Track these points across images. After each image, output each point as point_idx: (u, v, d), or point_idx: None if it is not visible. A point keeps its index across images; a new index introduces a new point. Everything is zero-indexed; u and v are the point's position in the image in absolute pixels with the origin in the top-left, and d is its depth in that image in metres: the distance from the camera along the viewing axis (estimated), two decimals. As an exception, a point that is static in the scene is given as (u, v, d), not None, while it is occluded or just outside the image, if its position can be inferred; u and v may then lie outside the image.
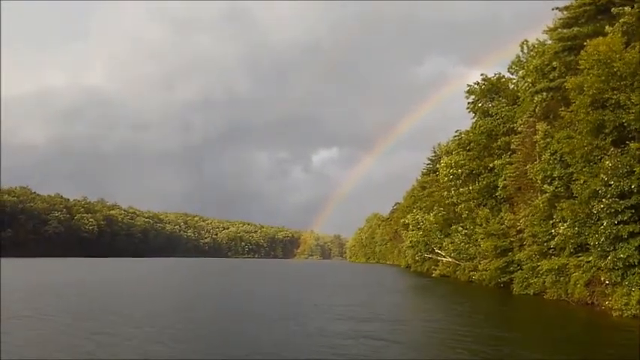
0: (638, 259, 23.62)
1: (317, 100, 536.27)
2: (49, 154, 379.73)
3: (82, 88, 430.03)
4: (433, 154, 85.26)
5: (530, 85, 38.28)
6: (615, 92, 25.43)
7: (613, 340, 19.71)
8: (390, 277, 69.30)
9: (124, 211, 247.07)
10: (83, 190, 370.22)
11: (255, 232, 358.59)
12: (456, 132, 58.64)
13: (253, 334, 19.75)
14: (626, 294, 24.20)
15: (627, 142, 25.16)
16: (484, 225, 45.45)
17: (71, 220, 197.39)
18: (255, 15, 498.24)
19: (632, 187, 23.74)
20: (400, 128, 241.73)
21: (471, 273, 49.47)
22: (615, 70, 25.22)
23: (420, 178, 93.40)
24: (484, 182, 48.17)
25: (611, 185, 24.48)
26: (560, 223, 31.27)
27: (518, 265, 39.05)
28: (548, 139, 33.44)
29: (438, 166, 63.99)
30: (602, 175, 24.98)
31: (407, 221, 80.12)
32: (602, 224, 25.07)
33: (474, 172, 50.07)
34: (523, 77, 41.20)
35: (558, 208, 30.39)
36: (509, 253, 41.08)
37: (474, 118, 52.03)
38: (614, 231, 24.32)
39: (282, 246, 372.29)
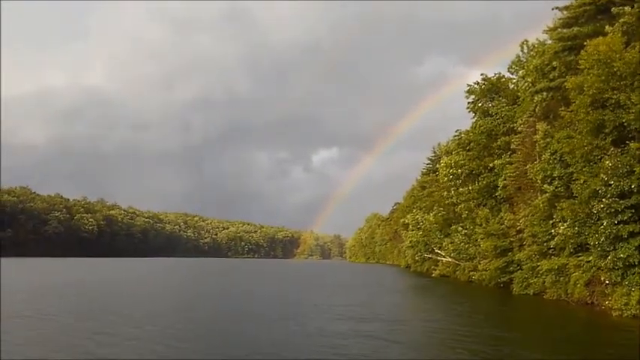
0: (638, 258, 23.61)
1: (317, 100, 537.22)
2: (49, 154, 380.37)
3: (82, 88, 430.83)
4: (433, 154, 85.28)
5: (530, 84, 38.27)
6: (615, 92, 25.42)
7: (613, 340, 19.70)
8: (390, 277, 69.29)
9: (124, 211, 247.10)
10: (83, 190, 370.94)
11: (255, 232, 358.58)
12: (455, 132, 58.70)
13: (253, 334, 19.74)
14: (626, 294, 24.20)
15: (627, 141, 25.16)
16: (484, 225, 45.44)
17: (71, 220, 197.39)
18: (255, 15, 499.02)
19: (632, 186, 23.73)
20: (400, 128, 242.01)
21: (471, 273, 49.47)
22: (615, 69, 25.22)
23: (419, 178, 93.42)
24: (484, 182, 48.16)
25: (611, 185, 24.47)
26: (560, 223, 31.25)
27: (518, 265, 39.05)
28: (548, 139, 33.43)
29: (437, 166, 64.00)
30: (602, 175, 24.97)
31: (407, 221, 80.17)
32: (602, 224, 25.06)
33: (473, 172, 50.06)
34: (523, 77, 41.20)
35: (558, 207, 30.37)
36: (509, 253, 41.08)
37: (473, 117, 52.03)
38: (614, 231, 24.32)
39: (282, 246, 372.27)
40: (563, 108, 30.48)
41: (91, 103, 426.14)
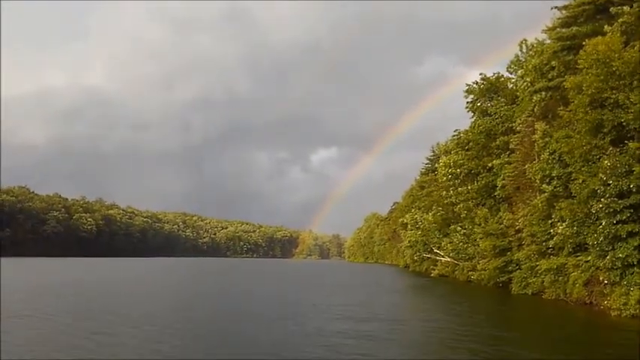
0: (636, 258, 23.61)
1: (317, 100, 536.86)
2: (49, 154, 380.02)
3: (82, 88, 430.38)
4: (432, 154, 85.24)
5: (529, 84, 38.28)
6: (614, 92, 25.43)
7: (611, 339, 19.70)
8: (389, 277, 69.29)
9: (123, 210, 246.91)
10: (83, 190, 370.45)
11: (254, 231, 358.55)
12: (454, 131, 58.74)
13: (252, 333, 19.72)
14: (624, 294, 24.19)
15: (626, 141, 25.16)
16: (483, 225, 45.46)
17: (70, 219, 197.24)
18: (255, 15, 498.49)
19: (631, 186, 23.73)
20: (400, 128, 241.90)
21: (470, 273, 49.48)
22: (614, 69, 25.23)
23: (418, 177, 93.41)
24: (483, 182, 48.17)
25: (609, 185, 24.47)
26: (558, 223, 31.28)
27: (517, 265, 39.06)
28: (546, 139, 33.44)
29: (436, 165, 63.99)
30: (600, 175, 24.97)
31: (405, 221, 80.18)
32: (601, 224, 25.05)
33: (472, 171, 50.06)
34: (522, 77, 41.19)
35: (557, 207, 30.39)
36: (508, 253, 41.09)
37: (472, 117, 52.06)
38: (613, 230, 24.31)
39: (281, 246, 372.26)
40: (561, 108, 30.48)
41: (91, 103, 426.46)
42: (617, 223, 24.25)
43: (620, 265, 24.26)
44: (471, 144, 50.77)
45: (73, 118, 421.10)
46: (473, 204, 50.71)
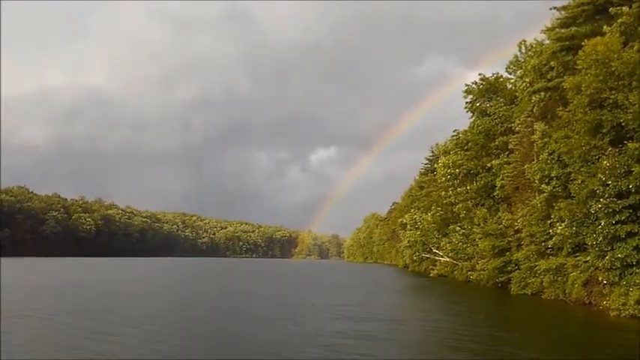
0: (635, 258, 23.64)
1: (317, 100, 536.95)
2: (49, 154, 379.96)
3: (82, 88, 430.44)
4: (431, 154, 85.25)
5: (528, 84, 38.30)
6: (613, 92, 25.46)
7: (611, 340, 19.72)
8: (388, 277, 69.29)
9: (122, 210, 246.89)
10: (83, 190, 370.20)
11: (253, 231, 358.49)
12: (453, 132, 58.75)
13: (251, 333, 19.72)
14: (623, 294, 24.22)
15: (625, 141, 25.16)
16: (482, 225, 45.49)
17: (69, 219, 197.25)
18: (255, 15, 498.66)
19: (630, 186, 23.76)
20: (400, 128, 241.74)
21: (469, 273, 49.53)
22: (613, 69, 25.25)
23: (417, 177, 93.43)
24: (482, 182, 48.20)
25: (608, 185, 24.49)
26: (557, 223, 31.29)
27: (516, 265, 39.10)
28: (545, 139, 33.47)
29: (435, 165, 64.04)
30: (599, 175, 24.99)
31: (405, 221, 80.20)
32: (600, 224, 25.08)
33: (471, 171, 50.10)
34: (521, 77, 41.23)
35: (556, 207, 30.41)
36: (507, 253, 41.12)
37: (471, 117, 52.10)
38: (612, 231, 24.34)
39: (280, 246, 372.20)
40: (560, 108, 30.50)
41: (91, 103, 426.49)
42: (616, 223, 24.28)
43: (619, 266, 24.30)
44: (470, 144, 50.80)
45: (73, 118, 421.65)
46: (472, 204, 50.75)
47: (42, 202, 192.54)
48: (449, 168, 53.05)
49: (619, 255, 24.06)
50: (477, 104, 50.67)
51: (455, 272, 56.07)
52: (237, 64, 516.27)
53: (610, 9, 29.78)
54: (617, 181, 24.17)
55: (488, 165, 46.53)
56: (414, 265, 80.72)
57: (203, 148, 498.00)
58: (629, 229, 23.84)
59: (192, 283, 52.99)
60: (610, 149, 25.58)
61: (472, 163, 49.87)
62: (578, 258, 29.66)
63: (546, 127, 34.26)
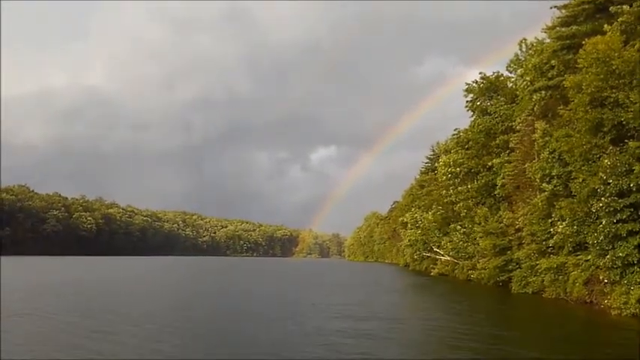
0: (636, 257, 23.59)
1: (317, 100, 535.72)
2: (49, 154, 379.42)
3: (82, 88, 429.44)
4: (432, 153, 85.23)
5: (529, 83, 38.25)
6: (614, 91, 25.41)
7: (612, 339, 19.71)
8: (389, 276, 69.31)
9: (122, 209, 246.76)
10: (83, 190, 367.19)
11: (254, 230, 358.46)
12: (454, 130, 58.74)
13: (251, 333, 19.71)
14: (624, 293, 24.19)
15: (626, 140, 25.13)
16: (483, 223, 45.47)
17: (69, 218, 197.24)
18: (255, 15, 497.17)
19: (631, 185, 23.71)
20: (400, 128, 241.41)
21: (470, 272, 49.49)
22: (614, 68, 25.21)
23: (418, 176, 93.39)
24: (482, 181, 48.17)
25: (609, 184, 24.45)
26: (558, 222, 31.27)
27: (517, 264, 39.07)
28: (546, 138, 33.43)
29: (436, 164, 63.99)
30: (600, 174, 24.95)
31: (405, 220, 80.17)
32: (601, 223, 25.03)
33: (472, 170, 50.07)
34: (522, 76, 41.17)
35: (557, 206, 30.37)
36: (508, 252, 41.10)
37: (472, 116, 52.05)
38: (613, 229, 24.28)
39: (281, 244, 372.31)
40: (561, 107, 30.47)
41: (91, 103, 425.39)
42: (618, 222, 24.23)
43: (620, 264, 24.24)
44: (470, 143, 50.76)
45: (73, 118, 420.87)
46: (473, 203, 50.72)
47: (43, 201, 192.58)
48: (450, 167, 53.02)
49: (620, 254, 24.01)
50: (478, 103, 50.63)
51: (456, 271, 56.05)
52: (237, 64, 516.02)
53: (610, 8, 29.72)
54: (618, 180, 24.12)
55: (489, 164, 46.51)
56: (415, 264, 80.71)
57: (203, 148, 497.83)
58: (630, 228, 23.77)
59: (193, 282, 53.00)
60: (611, 148, 25.54)
61: (473, 161, 49.83)
62: (579, 257, 29.63)
63: (547, 125, 34.21)
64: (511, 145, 41.64)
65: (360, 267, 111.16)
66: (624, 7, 28.65)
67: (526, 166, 36.51)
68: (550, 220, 33.47)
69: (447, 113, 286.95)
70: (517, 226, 39.40)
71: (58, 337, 18.17)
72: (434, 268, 64.71)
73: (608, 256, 24.78)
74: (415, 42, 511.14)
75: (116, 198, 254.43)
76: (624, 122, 25.02)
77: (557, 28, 35.07)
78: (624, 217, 24.00)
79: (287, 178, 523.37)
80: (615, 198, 24.26)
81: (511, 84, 48.12)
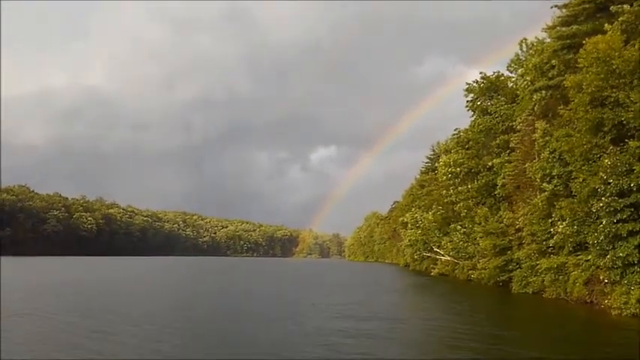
0: (637, 257, 23.56)
1: (317, 100, 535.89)
2: (49, 154, 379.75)
3: (82, 88, 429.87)
4: (432, 153, 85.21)
5: (529, 83, 38.24)
6: (614, 90, 25.39)
7: (612, 339, 19.69)
8: (389, 276, 69.30)
9: (123, 209, 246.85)
10: (83, 190, 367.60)
11: (254, 230, 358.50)
12: (454, 130, 58.73)
13: (251, 333, 19.71)
14: (625, 293, 24.17)
15: (626, 140, 25.09)
16: (483, 223, 45.44)
17: (70, 218, 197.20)
18: (255, 15, 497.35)
19: (632, 185, 23.68)
20: (400, 128, 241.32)
21: (470, 272, 49.46)
22: (614, 68, 25.18)
23: (418, 176, 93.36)
24: (483, 181, 48.14)
25: (610, 183, 24.42)
26: (559, 222, 31.25)
27: (517, 264, 39.05)
28: (547, 138, 33.41)
29: (436, 164, 63.96)
30: (601, 174, 24.93)
31: (406, 220, 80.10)
32: (602, 223, 25.02)
33: (472, 170, 50.05)
34: (522, 75, 41.17)
35: (557, 206, 30.35)
36: (508, 252, 41.07)
37: (472, 116, 52.01)
38: (614, 229, 24.26)
39: (281, 245, 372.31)
40: (562, 106, 30.44)
41: (91, 103, 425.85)
42: (618, 222, 24.20)
43: (620, 264, 24.22)
44: (471, 143, 50.76)
45: (73, 118, 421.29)
46: (473, 203, 50.68)
47: (43, 202, 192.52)
48: (450, 167, 52.99)
49: (620, 254, 23.99)
50: (478, 103, 50.59)
51: (456, 271, 56.02)
52: (237, 64, 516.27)
53: (611, 7, 29.67)
54: (619, 180, 24.09)
55: (490, 164, 46.49)
56: (415, 264, 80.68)
57: (203, 148, 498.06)
58: (630, 228, 23.75)
59: (193, 283, 53.00)
60: (611, 147, 25.51)
61: (473, 161, 49.82)
62: (579, 257, 29.61)
63: (547, 125, 34.19)
64: (511, 144, 41.63)
65: (360, 267, 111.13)
66: (625, 6, 28.60)
67: (526, 166, 36.49)
68: (550, 220, 33.45)
69: (447, 113, 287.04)
70: (517, 226, 39.37)
71: (58, 337, 18.16)
72: (434, 268, 64.67)
73: (608, 256, 24.77)
74: (415, 42, 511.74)
75: (116, 198, 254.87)
76: (625, 122, 24.99)
77: (558, 28, 35.04)
78: (624, 217, 23.97)
79: (287, 178, 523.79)
80: (615, 198, 24.24)
81: (511, 84, 48.09)
